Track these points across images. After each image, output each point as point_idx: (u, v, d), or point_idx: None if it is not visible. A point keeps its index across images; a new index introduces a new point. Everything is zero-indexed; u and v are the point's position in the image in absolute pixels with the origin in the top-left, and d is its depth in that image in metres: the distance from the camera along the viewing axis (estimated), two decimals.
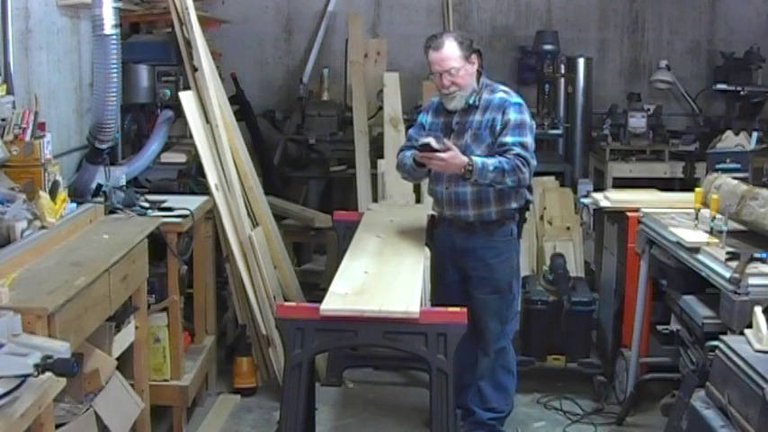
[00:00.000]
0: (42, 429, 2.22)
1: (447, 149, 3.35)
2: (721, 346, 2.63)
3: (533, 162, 3.47)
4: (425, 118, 3.76)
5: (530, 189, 3.69)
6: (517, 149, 3.42)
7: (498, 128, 3.50)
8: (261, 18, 6.80)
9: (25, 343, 2.13)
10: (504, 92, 3.60)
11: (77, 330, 2.56)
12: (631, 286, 4.06)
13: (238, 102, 5.92)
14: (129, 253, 3.05)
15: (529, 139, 3.49)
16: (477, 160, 3.38)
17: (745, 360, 2.46)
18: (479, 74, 3.62)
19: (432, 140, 3.39)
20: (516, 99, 3.58)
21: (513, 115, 3.50)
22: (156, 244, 3.56)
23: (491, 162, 3.38)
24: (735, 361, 2.51)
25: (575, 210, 5.44)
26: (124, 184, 3.86)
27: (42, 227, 2.89)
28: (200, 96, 4.25)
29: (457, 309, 2.84)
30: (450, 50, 3.49)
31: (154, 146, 4.51)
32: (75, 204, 3.27)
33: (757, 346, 2.53)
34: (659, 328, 3.86)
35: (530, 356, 4.27)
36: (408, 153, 3.63)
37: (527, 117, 3.55)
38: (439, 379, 2.79)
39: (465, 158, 3.36)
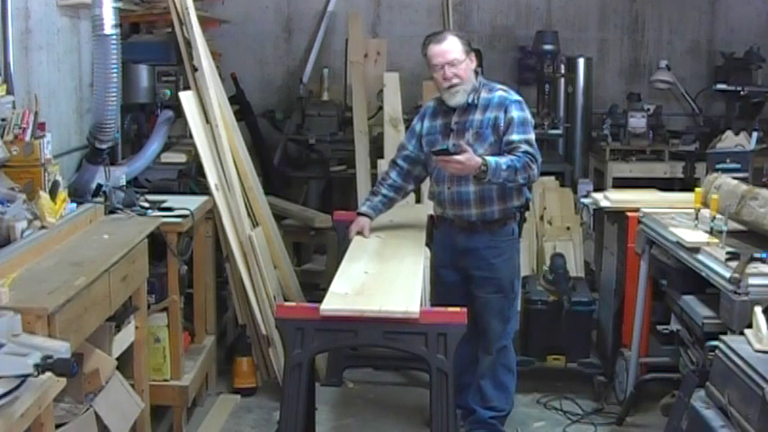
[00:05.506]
0: (42, 429, 2.22)
1: (463, 151, 3.35)
2: (721, 346, 2.63)
3: (540, 158, 3.50)
4: (419, 124, 3.75)
5: (529, 187, 3.70)
6: (525, 147, 3.45)
7: (502, 126, 3.51)
8: (261, 18, 6.79)
9: (25, 343, 2.12)
10: (503, 90, 3.63)
11: (77, 330, 2.56)
12: (631, 286, 4.06)
13: (238, 102, 5.91)
14: (129, 253, 3.05)
15: (533, 136, 3.53)
16: (491, 160, 3.37)
17: (745, 360, 2.46)
18: (476, 74, 3.63)
19: (448, 145, 3.42)
20: (516, 97, 3.60)
21: (515, 113, 3.51)
22: (156, 244, 3.56)
23: (503, 161, 3.39)
24: (735, 361, 2.51)
25: (575, 210, 5.44)
26: (124, 184, 3.85)
27: (42, 227, 2.89)
28: (200, 96, 4.24)
29: (457, 309, 2.83)
30: (453, 43, 3.53)
31: (154, 146, 4.51)
32: (75, 204, 3.27)
33: (757, 346, 2.53)
34: (659, 328, 3.86)
35: (530, 356, 4.27)
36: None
37: (528, 114, 3.58)
38: (439, 379, 2.79)
39: (479, 159, 3.36)
